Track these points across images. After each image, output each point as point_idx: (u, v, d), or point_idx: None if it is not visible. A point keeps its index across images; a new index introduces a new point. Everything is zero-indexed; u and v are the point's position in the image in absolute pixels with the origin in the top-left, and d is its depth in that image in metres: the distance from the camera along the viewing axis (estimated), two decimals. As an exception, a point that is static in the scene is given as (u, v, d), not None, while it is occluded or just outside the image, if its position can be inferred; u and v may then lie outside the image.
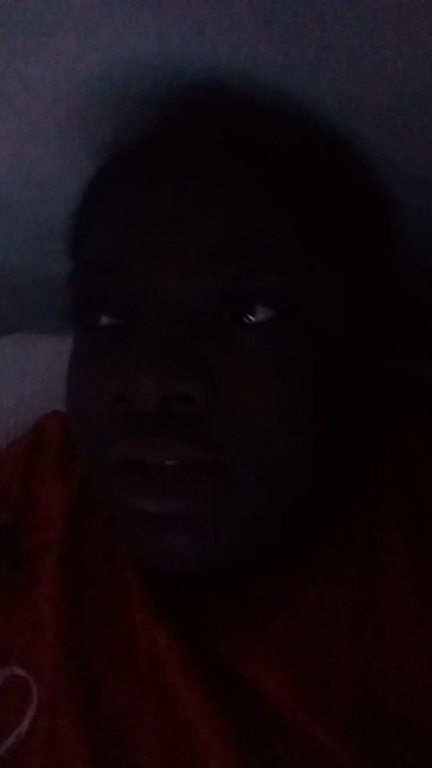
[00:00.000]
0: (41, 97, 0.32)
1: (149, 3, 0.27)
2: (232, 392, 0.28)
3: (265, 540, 0.32)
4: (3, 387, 0.54)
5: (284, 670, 0.32)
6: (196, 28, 0.28)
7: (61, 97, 0.32)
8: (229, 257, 0.29)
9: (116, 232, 0.31)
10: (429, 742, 0.29)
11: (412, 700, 0.30)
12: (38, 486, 0.41)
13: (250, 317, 0.29)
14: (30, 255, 0.46)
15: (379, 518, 0.34)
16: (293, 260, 0.30)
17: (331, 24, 0.27)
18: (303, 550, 0.34)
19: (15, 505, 0.41)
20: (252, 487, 0.29)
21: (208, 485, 0.29)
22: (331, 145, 0.33)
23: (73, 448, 0.41)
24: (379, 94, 0.30)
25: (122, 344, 0.29)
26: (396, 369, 0.40)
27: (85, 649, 0.34)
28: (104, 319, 0.31)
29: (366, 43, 0.28)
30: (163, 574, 0.33)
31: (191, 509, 0.29)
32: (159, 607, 0.34)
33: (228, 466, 0.29)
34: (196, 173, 0.31)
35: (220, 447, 0.28)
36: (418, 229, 0.37)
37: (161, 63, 0.30)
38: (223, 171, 0.30)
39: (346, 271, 0.32)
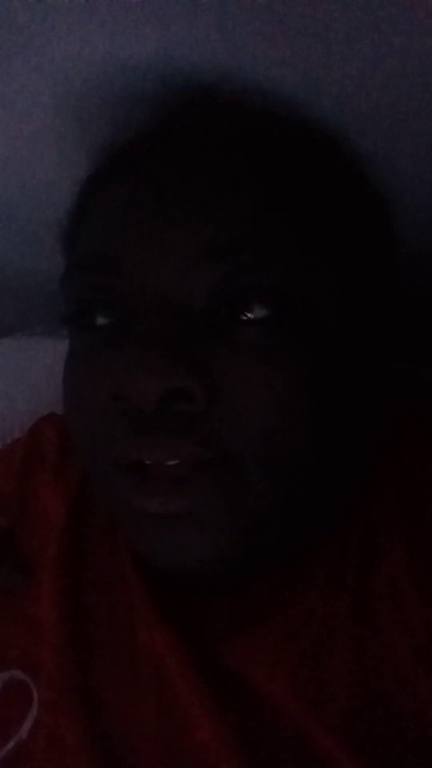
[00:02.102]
0: (37, 98, 0.32)
1: (145, 4, 0.27)
2: (231, 388, 0.28)
3: (270, 536, 0.32)
4: (-1, 390, 0.54)
5: (283, 671, 0.32)
6: (192, 28, 0.28)
7: (57, 97, 0.32)
8: (225, 254, 0.29)
9: (110, 231, 0.31)
10: (428, 741, 0.29)
11: (411, 700, 0.30)
12: (35, 489, 0.41)
13: (248, 314, 0.29)
14: (26, 256, 0.46)
15: (378, 519, 0.34)
16: (290, 258, 0.29)
17: (329, 24, 0.27)
18: (303, 550, 0.34)
19: (12, 509, 0.40)
20: (256, 480, 0.29)
21: (212, 481, 0.28)
22: (329, 144, 0.33)
23: (70, 450, 0.41)
24: (378, 94, 0.30)
25: (118, 343, 0.29)
26: (396, 370, 0.40)
27: (86, 652, 0.33)
28: (99, 319, 0.31)
29: (364, 44, 0.28)
30: (170, 574, 0.33)
31: (196, 506, 0.29)
32: (159, 609, 0.34)
33: (231, 461, 0.29)
34: (191, 172, 0.30)
35: (221, 443, 0.28)
36: (418, 229, 0.37)
37: (157, 64, 0.30)
38: (219, 169, 0.30)
39: (345, 271, 0.32)
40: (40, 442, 0.43)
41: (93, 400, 0.30)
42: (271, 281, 0.29)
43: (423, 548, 0.33)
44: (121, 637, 0.34)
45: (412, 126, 0.32)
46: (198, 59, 0.30)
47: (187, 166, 0.31)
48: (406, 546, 0.33)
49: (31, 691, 0.33)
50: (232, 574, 0.33)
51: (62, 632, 0.34)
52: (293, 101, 0.31)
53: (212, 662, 0.32)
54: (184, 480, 0.28)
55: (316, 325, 0.30)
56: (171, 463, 0.29)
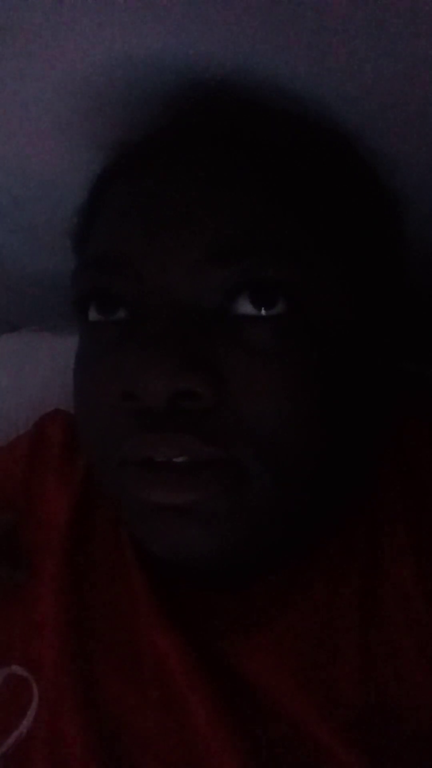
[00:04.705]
0: (45, 95, 0.32)
1: (153, 2, 0.27)
2: (239, 388, 0.28)
3: (273, 534, 0.32)
4: (4, 385, 0.54)
5: (287, 671, 0.31)
6: (200, 26, 0.28)
7: (65, 95, 0.32)
8: (236, 253, 0.29)
9: (121, 230, 0.31)
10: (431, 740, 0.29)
11: (415, 700, 0.30)
12: (40, 485, 0.41)
13: (258, 313, 0.29)
14: (32, 253, 0.46)
15: (383, 518, 0.34)
16: (299, 257, 0.29)
17: (334, 23, 0.27)
18: (307, 549, 0.34)
19: (16, 504, 0.40)
20: (262, 480, 0.29)
21: (217, 477, 0.29)
22: (336, 143, 0.33)
23: (74, 446, 0.41)
24: (383, 93, 0.30)
25: (128, 341, 0.29)
26: (400, 369, 0.40)
27: (87, 649, 0.33)
28: (109, 316, 0.31)
29: (368, 42, 0.28)
30: (172, 566, 0.33)
31: (204, 500, 0.29)
32: (162, 607, 0.33)
33: (237, 460, 0.29)
34: (201, 170, 0.30)
35: (229, 442, 0.28)
36: (426, 229, 0.37)
37: (165, 61, 0.30)
38: (228, 168, 0.30)
39: (353, 271, 0.32)
40: (44, 439, 0.43)
41: (103, 397, 0.30)
42: (280, 281, 0.29)
43: (427, 548, 0.33)
44: (123, 634, 0.34)
45: (422, 125, 0.32)
46: (206, 56, 0.30)
47: (196, 164, 0.31)
48: (410, 546, 0.33)
49: (31, 687, 0.33)
50: (235, 572, 0.33)
51: (63, 629, 0.34)
52: (303, 99, 0.31)
53: (215, 661, 0.32)
54: (190, 475, 0.29)
55: (324, 325, 0.30)
56: (179, 460, 0.29)
